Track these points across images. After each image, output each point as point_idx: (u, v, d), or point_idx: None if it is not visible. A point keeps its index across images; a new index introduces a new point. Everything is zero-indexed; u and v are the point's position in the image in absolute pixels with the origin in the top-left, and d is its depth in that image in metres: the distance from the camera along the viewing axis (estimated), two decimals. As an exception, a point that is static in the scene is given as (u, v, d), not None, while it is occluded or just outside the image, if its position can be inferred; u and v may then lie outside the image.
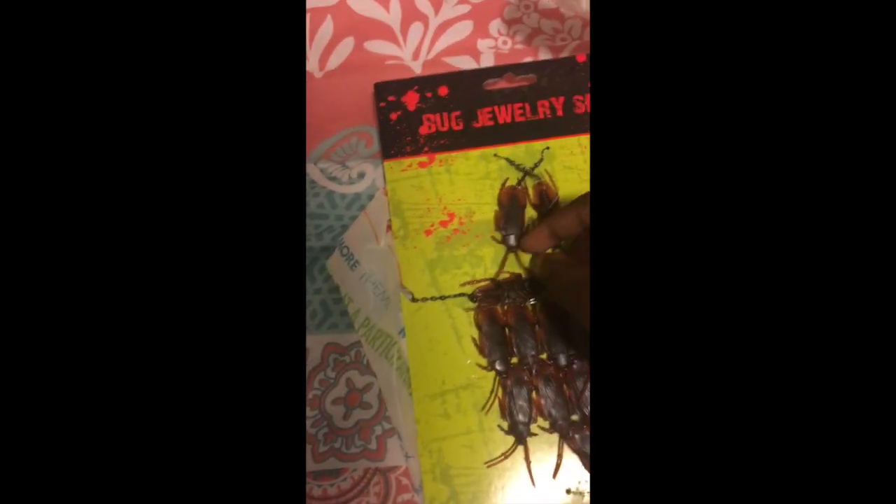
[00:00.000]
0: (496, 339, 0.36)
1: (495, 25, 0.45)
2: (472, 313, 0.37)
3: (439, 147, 0.40)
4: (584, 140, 0.39)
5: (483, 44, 0.44)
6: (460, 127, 0.40)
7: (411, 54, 0.44)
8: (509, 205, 0.38)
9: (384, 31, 0.45)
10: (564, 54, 0.44)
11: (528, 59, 0.43)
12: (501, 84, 0.41)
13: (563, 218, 0.34)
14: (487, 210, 0.39)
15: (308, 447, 0.36)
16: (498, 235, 0.38)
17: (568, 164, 0.39)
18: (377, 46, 0.45)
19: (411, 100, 0.41)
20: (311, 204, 0.41)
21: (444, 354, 0.36)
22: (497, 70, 0.41)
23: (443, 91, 0.41)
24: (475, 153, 0.40)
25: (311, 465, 0.35)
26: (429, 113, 0.40)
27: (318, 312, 0.38)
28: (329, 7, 0.46)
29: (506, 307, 0.37)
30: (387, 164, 0.40)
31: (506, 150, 0.40)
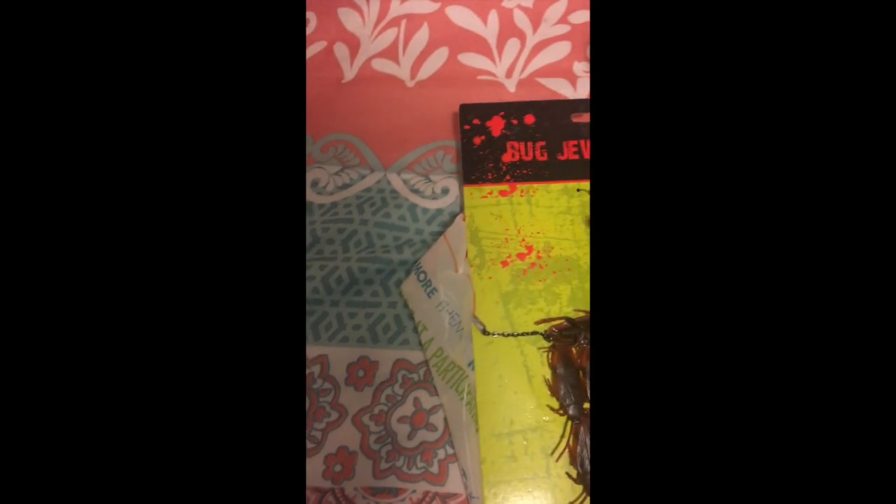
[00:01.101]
0: (570, 382, 0.33)
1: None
2: (545, 352, 0.34)
3: (522, 177, 0.37)
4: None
5: (579, 67, 0.41)
6: (545, 158, 0.37)
7: (505, 71, 0.41)
8: None
9: (480, 45, 0.42)
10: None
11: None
12: (588, 117, 0.37)
13: None
14: (567, 246, 0.35)
15: (370, 462, 0.34)
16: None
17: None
18: (471, 59, 0.42)
19: (496, 125, 0.37)
20: (393, 215, 0.38)
21: (515, 393, 0.33)
22: (586, 103, 0.37)
23: (529, 119, 0.37)
24: (557, 186, 0.36)
25: (370, 481, 0.33)
26: (513, 140, 0.37)
27: (391, 326, 0.36)
28: (427, 14, 0.43)
29: (581, 349, 0.34)
30: (467, 189, 0.37)
31: (588, 184, 0.36)
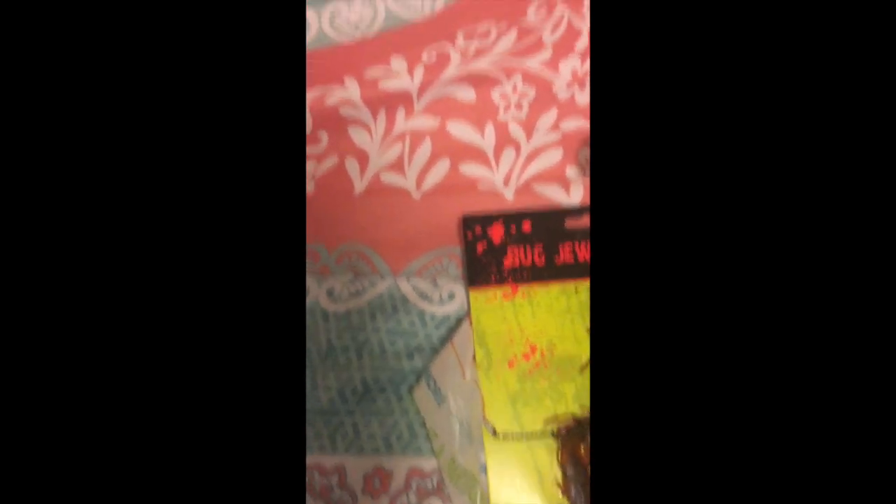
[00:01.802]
0: (580, 482, 0.33)
1: (584, 154, 0.43)
2: (555, 452, 0.34)
3: (522, 279, 0.38)
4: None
5: (572, 171, 0.42)
6: (543, 261, 0.38)
7: (503, 179, 0.43)
8: None
9: (478, 155, 0.44)
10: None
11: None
12: (582, 223, 0.39)
13: None
14: (569, 345, 0.36)
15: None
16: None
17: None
18: (471, 169, 0.44)
19: (497, 232, 0.39)
20: (403, 322, 0.40)
21: (527, 495, 0.33)
22: (577, 210, 0.39)
23: (526, 226, 0.39)
24: (556, 287, 0.38)
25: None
26: (513, 245, 0.39)
27: (403, 435, 0.37)
28: (429, 130, 0.45)
29: (588, 447, 0.34)
30: (472, 293, 0.38)
31: (585, 284, 0.37)
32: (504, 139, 0.45)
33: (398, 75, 0.48)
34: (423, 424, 0.36)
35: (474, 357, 0.37)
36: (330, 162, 0.46)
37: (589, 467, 0.33)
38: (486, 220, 0.40)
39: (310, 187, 0.45)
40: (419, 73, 0.48)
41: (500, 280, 0.38)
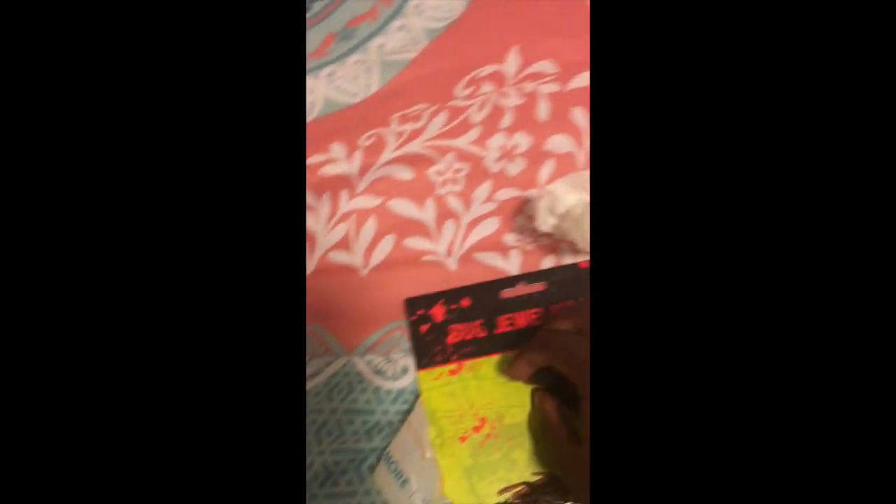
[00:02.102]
0: (535, 549, 0.35)
1: (519, 221, 0.45)
2: (509, 521, 0.36)
3: (466, 354, 0.40)
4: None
5: (509, 238, 0.45)
6: (484, 334, 0.40)
7: (446, 250, 0.45)
8: None
9: (421, 229, 0.46)
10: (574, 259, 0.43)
11: (551, 255, 0.44)
12: (516, 292, 0.41)
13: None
14: (516, 413, 0.38)
15: None
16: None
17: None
18: (415, 243, 0.46)
19: (439, 312, 0.41)
20: (359, 400, 0.41)
21: (487, 567, 0.35)
22: (511, 280, 0.42)
23: (465, 302, 0.41)
24: (498, 358, 0.39)
25: None
26: (455, 323, 0.41)
27: (368, 515, 0.38)
28: (372, 208, 0.47)
29: (541, 513, 0.36)
30: (420, 374, 0.40)
31: (526, 353, 0.39)
32: (444, 212, 0.47)
33: (337, 161, 0.50)
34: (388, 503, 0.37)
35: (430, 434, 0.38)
36: (279, 247, 0.48)
37: (543, 533, 0.35)
38: (429, 300, 0.42)
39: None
40: (358, 156, 0.50)
41: (446, 358, 0.40)
